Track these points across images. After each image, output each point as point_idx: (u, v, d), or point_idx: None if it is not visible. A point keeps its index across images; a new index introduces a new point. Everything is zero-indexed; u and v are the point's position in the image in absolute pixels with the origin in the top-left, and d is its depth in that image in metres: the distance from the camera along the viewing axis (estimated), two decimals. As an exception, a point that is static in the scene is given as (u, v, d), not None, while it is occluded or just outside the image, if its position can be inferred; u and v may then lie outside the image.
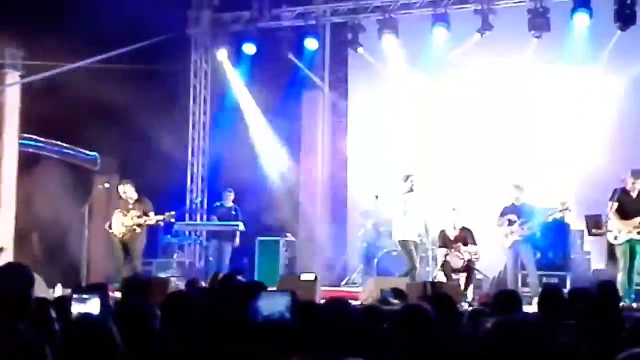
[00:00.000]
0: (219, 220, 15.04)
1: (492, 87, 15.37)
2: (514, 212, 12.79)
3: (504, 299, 6.54)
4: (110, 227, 13.35)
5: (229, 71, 16.74)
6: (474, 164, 15.20)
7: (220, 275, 6.99)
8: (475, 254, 13.08)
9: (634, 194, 11.76)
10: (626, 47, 13.98)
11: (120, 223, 13.29)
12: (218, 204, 15.36)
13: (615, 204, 11.69)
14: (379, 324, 4.47)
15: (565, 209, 12.55)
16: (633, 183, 11.70)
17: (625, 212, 11.68)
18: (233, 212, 15.00)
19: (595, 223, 12.38)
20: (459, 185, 14.91)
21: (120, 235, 13.28)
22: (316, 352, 3.93)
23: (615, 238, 11.80)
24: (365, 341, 4.13)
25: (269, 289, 12.00)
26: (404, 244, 12.90)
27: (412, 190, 12.86)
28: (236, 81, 16.73)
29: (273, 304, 3.84)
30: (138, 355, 3.96)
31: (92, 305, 4.75)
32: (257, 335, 3.71)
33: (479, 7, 14.58)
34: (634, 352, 3.20)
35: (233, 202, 15.16)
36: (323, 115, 16.94)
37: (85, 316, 4.07)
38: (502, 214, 12.88)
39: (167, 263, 15.23)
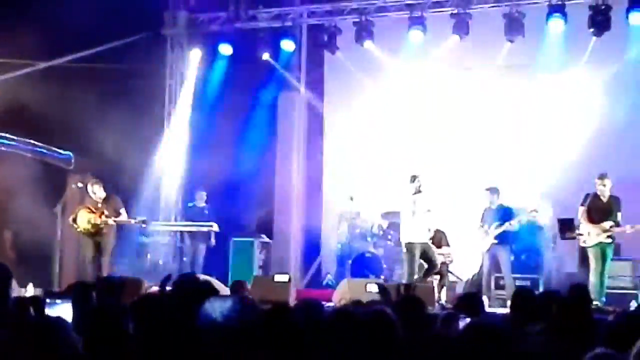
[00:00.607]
0: (192, 220, 14.98)
1: (468, 91, 15.43)
2: (491, 215, 12.87)
3: (466, 301, 6.59)
4: (74, 221, 13.11)
5: (205, 71, 16.69)
6: (450, 166, 15.25)
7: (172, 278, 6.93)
8: (449, 256, 13.15)
9: (604, 198, 11.87)
10: (601, 53, 14.09)
11: (87, 220, 13.07)
12: (190, 204, 15.29)
13: (585, 209, 11.81)
14: (350, 325, 4.47)
15: (533, 211, 12.65)
16: (601, 185, 11.82)
17: (595, 216, 11.80)
18: (206, 212, 14.95)
19: (567, 226, 12.49)
20: (433, 188, 14.93)
21: (84, 231, 13.05)
22: (284, 354, 3.94)
23: (585, 242, 11.93)
24: (335, 343, 4.13)
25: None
26: (409, 246, 12.45)
27: (420, 191, 12.54)
28: (212, 82, 16.68)
29: (221, 308, 3.84)
30: (110, 357, 3.94)
31: (64, 310, 4.70)
32: (205, 339, 3.70)
33: (455, 11, 14.65)
34: (599, 352, 3.24)
35: (205, 202, 15.10)
36: (299, 116, 16.94)
37: (46, 320, 4.00)
38: (482, 218, 12.96)
39: (141, 263, 15.15)
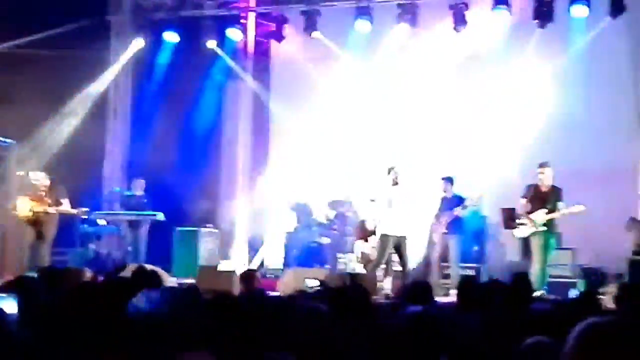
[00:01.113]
0: (130, 209, 14.86)
1: (416, 81, 15.50)
2: (444, 204, 12.99)
3: (415, 290, 6.64)
4: (15, 208, 12.95)
5: (150, 60, 16.52)
6: (398, 156, 15.31)
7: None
8: (393, 246, 13.20)
9: (544, 188, 12.05)
10: (546, 45, 14.29)
11: (28, 208, 12.90)
12: (129, 193, 15.15)
13: (526, 200, 11.99)
14: (293, 314, 4.48)
15: (479, 198, 12.78)
16: (541, 174, 12.00)
17: (536, 206, 11.98)
18: (144, 201, 14.84)
19: (510, 216, 12.64)
20: (380, 177, 15.01)
21: (25, 219, 12.90)
22: (226, 345, 3.93)
23: (525, 231, 12.12)
24: (278, 332, 4.13)
25: (187, 280, 12.01)
26: (383, 238, 12.32)
27: (396, 183, 12.44)
28: (157, 70, 16.52)
29: (152, 300, 3.81)
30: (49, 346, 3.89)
31: (9, 305, 4.61)
32: (134, 331, 3.68)
33: (402, 1, 14.70)
34: (535, 340, 3.30)
35: (144, 190, 14.98)
36: (245, 105, 16.88)
37: None
38: (439, 207, 13.06)
39: (84, 253, 14.98)
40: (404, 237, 12.19)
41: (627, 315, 4.18)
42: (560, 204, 11.99)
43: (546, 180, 12.05)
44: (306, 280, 11.21)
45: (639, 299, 4.37)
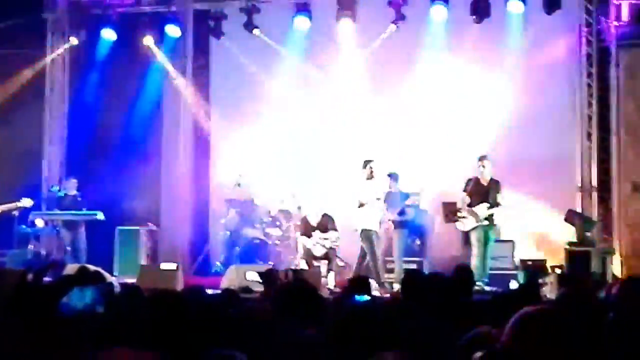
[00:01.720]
0: (65, 209, 14.68)
1: (356, 76, 15.54)
2: (389, 200, 13.08)
3: (354, 284, 6.70)
4: None
5: (88, 57, 16.30)
6: (337, 151, 15.36)
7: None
8: (336, 241, 13.26)
9: (484, 181, 12.19)
10: (482, 40, 14.46)
11: None
12: (62, 193, 14.95)
13: (466, 194, 12.14)
14: (234, 310, 4.47)
15: (418, 193, 12.90)
16: (481, 167, 12.15)
17: (476, 199, 12.13)
18: (78, 199, 14.67)
19: (450, 210, 12.79)
20: (323, 173, 15.05)
21: None
22: (166, 342, 3.91)
23: (466, 225, 12.27)
24: (220, 328, 4.12)
25: (129, 279, 11.90)
26: (366, 233, 12.54)
27: (372, 177, 12.61)
28: (95, 68, 16.30)
29: (83, 298, 3.79)
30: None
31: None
32: (65, 329, 3.65)
33: (340, -3, 14.75)
34: (476, 331, 3.37)
35: (77, 189, 14.82)
36: (185, 103, 16.74)
37: None
38: (385, 202, 13.14)
39: (22, 254, 14.72)
40: (377, 232, 12.51)
41: (561, 303, 4.27)
42: (499, 197, 12.17)
43: (486, 173, 12.20)
44: (247, 273, 11.19)
45: (574, 288, 4.47)
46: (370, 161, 12.67)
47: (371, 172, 12.55)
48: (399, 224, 13.01)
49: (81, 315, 3.78)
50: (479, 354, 3.26)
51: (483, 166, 12.15)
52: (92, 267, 8.21)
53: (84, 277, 6.86)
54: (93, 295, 3.87)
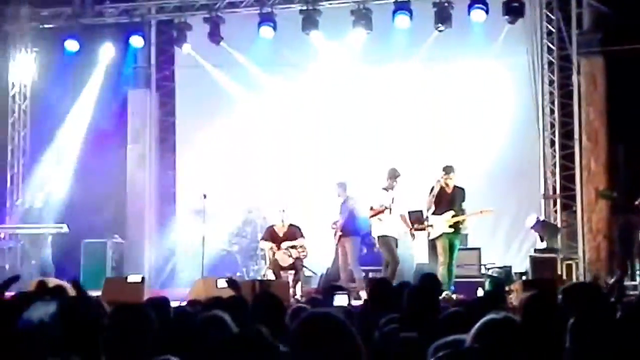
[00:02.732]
0: (31, 222, 14.54)
1: (320, 87, 15.57)
2: (341, 208, 13.08)
3: (324, 293, 6.68)
4: None
5: (52, 68, 16.18)
6: (303, 162, 15.37)
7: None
8: (303, 251, 13.25)
9: (448, 189, 12.26)
10: (445, 48, 14.56)
11: None
12: (27, 205, 14.82)
13: (432, 200, 12.20)
14: (196, 323, 4.46)
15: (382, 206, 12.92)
16: (445, 179, 12.22)
17: (441, 207, 12.18)
18: (44, 215, 14.55)
19: (416, 219, 12.83)
20: (289, 183, 15.04)
21: None
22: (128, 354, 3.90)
23: (429, 234, 12.33)
24: (180, 340, 4.11)
25: (95, 292, 11.78)
26: (384, 240, 12.57)
27: (393, 186, 12.59)
28: (58, 79, 16.17)
29: (40, 313, 3.78)
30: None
31: None
32: (23, 343, 3.63)
33: (304, 7, 14.76)
34: (446, 341, 3.41)
35: (44, 203, 14.69)
36: (150, 114, 16.67)
37: None
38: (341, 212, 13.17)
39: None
40: (397, 239, 12.64)
41: (523, 308, 4.33)
42: (463, 204, 12.24)
43: (451, 181, 12.27)
44: (218, 280, 11.14)
45: (537, 292, 4.53)
46: (394, 170, 12.71)
47: (394, 180, 12.57)
48: (344, 232, 13.03)
49: (39, 329, 3.76)
50: (441, 354, 3.29)
51: (447, 176, 12.22)
52: (53, 281, 8.15)
53: (43, 291, 6.81)
54: (52, 309, 3.85)
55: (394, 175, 12.77)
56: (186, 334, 4.12)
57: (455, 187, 12.28)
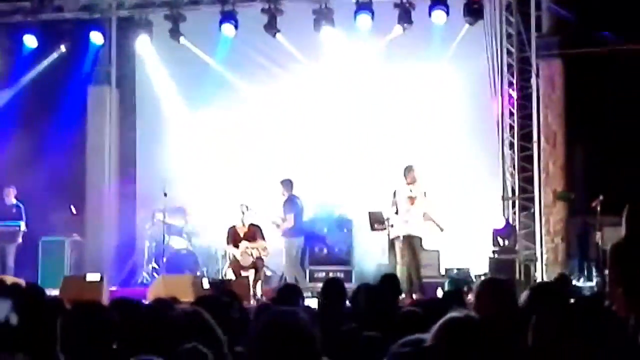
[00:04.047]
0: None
1: (281, 86, 15.56)
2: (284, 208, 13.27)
3: (285, 293, 6.70)
4: None
5: (10, 64, 15.98)
6: (265, 159, 15.35)
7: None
8: (264, 251, 13.26)
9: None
10: (405, 50, 14.63)
11: None
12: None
13: (394, 200, 12.26)
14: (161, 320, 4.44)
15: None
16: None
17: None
18: (14, 211, 14.37)
19: (377, 219, 12.88)
20: (250, 182, 15.02)
21: None
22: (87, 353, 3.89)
23: (389, 234, 12.40)
24: (142, 339, 4.09)
25: (53, 291, 11.67)
26: (409, 239, 12.28)
27: (411, 182, 12.32)
28: (16, 75, 15.98)
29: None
30: None
31: None
32: None
33: (266, 6, 14.73)
34: (407, 340, 3.44)
35: (16, 199, 14.52)
36: (110, 111, 16.54)
37: None
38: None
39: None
40: (414, 237, 12.30)
41: (484, 307, 4.38)
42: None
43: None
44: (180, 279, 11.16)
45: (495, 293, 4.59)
46: (411, 166, 12.51)
47: (412, 177, 12.42)
48: (287, 234, 13.10)
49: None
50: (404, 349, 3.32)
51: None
52: (10, 279, 8.09)
53: (1, 289, 6.74)
54: (8, 307, 3.84)
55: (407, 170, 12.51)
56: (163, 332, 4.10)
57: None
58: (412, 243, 12.27)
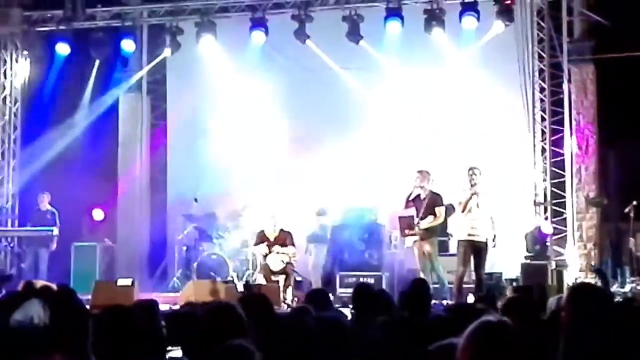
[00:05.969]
0: (34, 225, 14.52)
1: (311, 93, 15.57)
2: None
3: (313, 297, 6.69)
4: None
5: (42, 72, 16.13)
6: (296, 164, 15.35)
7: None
8: (294, 256, 13.27)
9: (423, 194, 12.25)
10: (436, 55, 14.59)
11: None
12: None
13: (413, 208, 12.21)
14: (187, 326, 4.46)
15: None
16: (419, 180, 12.22)
17: (421, 213, 12.18)
18: (48, 217, 14.52)
19: (407, 224, 12.81)
20: (280, 189, 15.02)
21: None
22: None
23: (410, 239, 12.34)
24: (174, 344, 4.11)
25: (85, 296, 11.76)
26: (461, 243, 11.98)
27: (474, 185, 11.91)
28: (49, 82, 16.12)
29: (28, 312, 3.82)
30: None
31: None
32: (12, 342, 3.66)
33: (297, 13, 14.77)
34: (443, 344, 3.41)
35: (51, 205, 14.67)
36: (141, 118, 16.66)
37: None
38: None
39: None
40: (478, 242, 11.85)
41: (518, 314, 4.35)
42: (437, 210, 12.19)
43: (427, 187, 12.25)
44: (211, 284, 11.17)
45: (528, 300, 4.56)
46: (474, 168, 12.09)
47: (473, 179, 12.02)
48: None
49: (27, 328, 3.78)
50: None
51: (425, 180, 12.23)
52: (40, 282, 8.16)
53: (31, 292, 6.81)
54: (39, 309, 3.87)
55: (470, 172, 12.07)
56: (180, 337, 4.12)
57: (430, 192, 12.24)
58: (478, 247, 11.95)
